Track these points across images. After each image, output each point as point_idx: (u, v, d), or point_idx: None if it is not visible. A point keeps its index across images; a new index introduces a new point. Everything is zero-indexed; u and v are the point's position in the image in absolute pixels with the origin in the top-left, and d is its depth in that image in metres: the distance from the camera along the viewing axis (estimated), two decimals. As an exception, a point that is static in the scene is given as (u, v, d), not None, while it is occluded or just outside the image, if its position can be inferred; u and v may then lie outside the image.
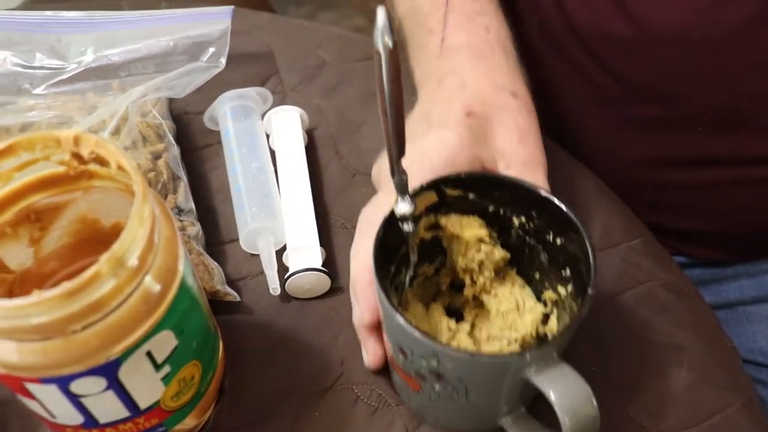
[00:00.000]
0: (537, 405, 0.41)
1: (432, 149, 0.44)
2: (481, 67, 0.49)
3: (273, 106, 0.58)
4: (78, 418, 0.36)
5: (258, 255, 0.50)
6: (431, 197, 0.41)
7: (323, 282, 0.49)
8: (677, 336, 0.48)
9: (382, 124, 0.37)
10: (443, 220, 0.43)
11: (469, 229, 0.42)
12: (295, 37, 0.67)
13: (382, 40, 0.33)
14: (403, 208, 0.39)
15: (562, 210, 0.40)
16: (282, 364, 0.46)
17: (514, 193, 0.41)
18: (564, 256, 0.41)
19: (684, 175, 0.60)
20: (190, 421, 0.41)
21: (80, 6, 0.57)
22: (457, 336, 0.43)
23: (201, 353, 0.39)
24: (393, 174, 0.38)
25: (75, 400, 0.35)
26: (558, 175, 0.47)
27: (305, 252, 0.49)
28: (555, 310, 0.43)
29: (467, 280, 0.44)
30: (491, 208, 0.42)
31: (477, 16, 0.52)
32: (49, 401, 0.35)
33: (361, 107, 0.61)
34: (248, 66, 0.63)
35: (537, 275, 0.44)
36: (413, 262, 0.42)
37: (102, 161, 0.36)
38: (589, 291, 0.37)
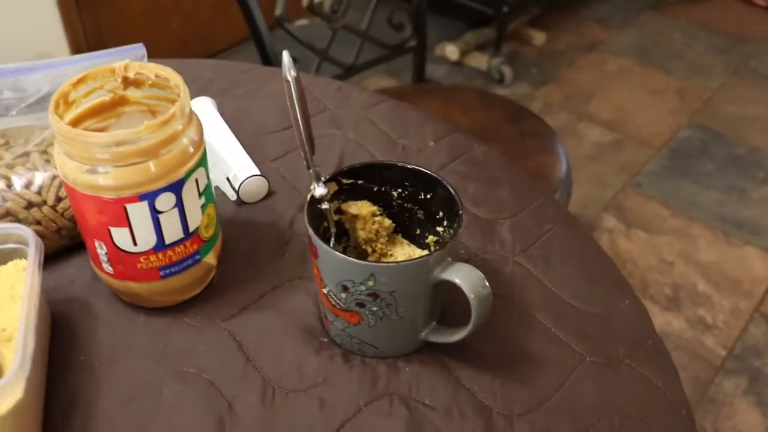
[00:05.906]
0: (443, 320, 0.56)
1: None
2: None
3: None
4: (152, 240, 0.53)
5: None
6: (333, 186, 0.57)
7: (264, 184, 0.70)
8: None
9: (295, 131, 0.53)
10: (344, 206, 0.58)
11: (363, 208, 0.58)
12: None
13: (289, 73, 0.49)
14: (320, 191, 0.54)
15: (426, 173, 0.56)
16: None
17: (392, 172, 0.58)
18: (434, 205, 0.57)
19: None
20: (210, 258, 0.59)
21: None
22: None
23: (215, 202, 0.58)
24: (308, 167, 0.54)
25: (155, 216, 0.52)
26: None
27: (248, 169, 0.70)
28: (438, 248, 0.59)
29: (369, 250, 0.60)
30: (375, 189, 0.58)
31: None
32: (138, 222, 0.52)
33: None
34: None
35: (417, 231, 0.60)
36: (333, 233, 0.57)
37: (140, 81, 0.55)
38: (460, 211, 0.53)
